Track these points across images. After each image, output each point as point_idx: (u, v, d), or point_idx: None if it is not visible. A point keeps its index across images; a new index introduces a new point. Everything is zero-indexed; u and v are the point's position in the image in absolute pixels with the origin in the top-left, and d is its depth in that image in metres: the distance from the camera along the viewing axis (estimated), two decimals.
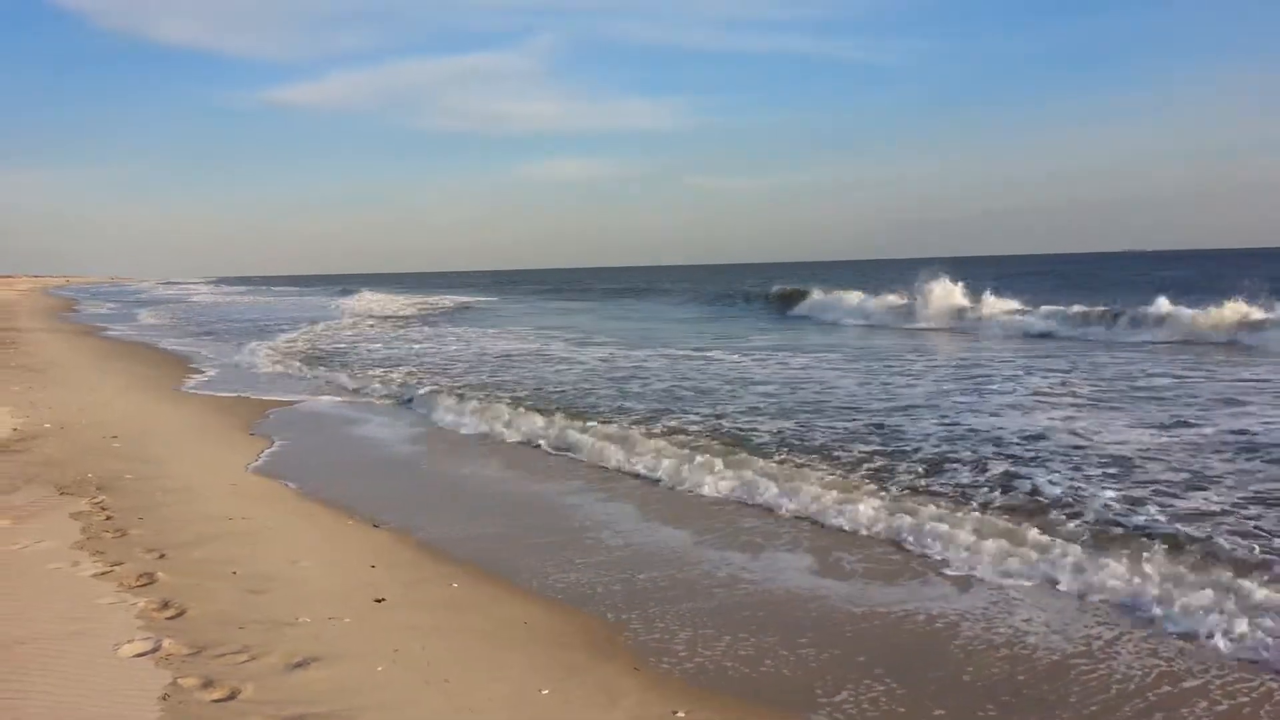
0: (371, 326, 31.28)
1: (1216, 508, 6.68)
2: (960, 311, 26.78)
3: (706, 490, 7.84)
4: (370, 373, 16.46)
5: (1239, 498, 6.93)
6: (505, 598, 5.57)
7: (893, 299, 30.26)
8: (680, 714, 4.10)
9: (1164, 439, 9.05)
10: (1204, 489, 7.19)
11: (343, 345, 23.60)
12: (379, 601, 5.38)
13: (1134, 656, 4.57)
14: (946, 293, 27.93)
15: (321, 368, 17.92)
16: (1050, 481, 7.48)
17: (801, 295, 36.06)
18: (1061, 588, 5.45)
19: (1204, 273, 53.45)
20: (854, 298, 32.23)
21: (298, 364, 18.66)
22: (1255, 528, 6.21)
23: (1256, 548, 5.74)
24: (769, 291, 41.56)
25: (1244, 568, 5.40)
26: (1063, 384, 13.18)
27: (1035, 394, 12.24)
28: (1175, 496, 7.00)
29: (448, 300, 54.55)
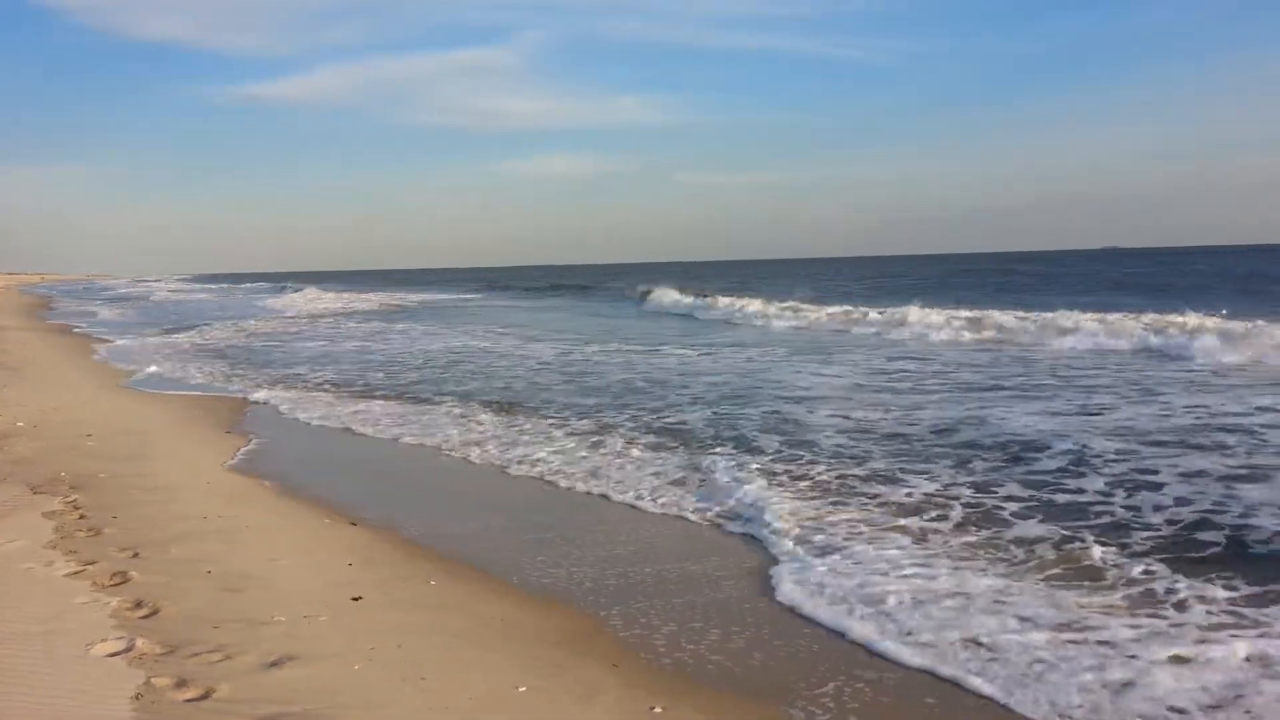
0: (325, 324, 31.29)
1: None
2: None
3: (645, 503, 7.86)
4: (252, 374, 16.42)
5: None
6: (483, 595, 5.55)
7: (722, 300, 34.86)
8: (658, 709, 4.10)
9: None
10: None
11: (273, 343, 23.49)
12: (356, 600, 5.35)
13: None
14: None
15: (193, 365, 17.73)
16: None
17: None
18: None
19: (1166, 269, 55.59)
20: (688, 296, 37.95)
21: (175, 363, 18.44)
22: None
23: None
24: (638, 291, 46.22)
25: None
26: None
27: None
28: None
29: (413, 298, 53.92)
